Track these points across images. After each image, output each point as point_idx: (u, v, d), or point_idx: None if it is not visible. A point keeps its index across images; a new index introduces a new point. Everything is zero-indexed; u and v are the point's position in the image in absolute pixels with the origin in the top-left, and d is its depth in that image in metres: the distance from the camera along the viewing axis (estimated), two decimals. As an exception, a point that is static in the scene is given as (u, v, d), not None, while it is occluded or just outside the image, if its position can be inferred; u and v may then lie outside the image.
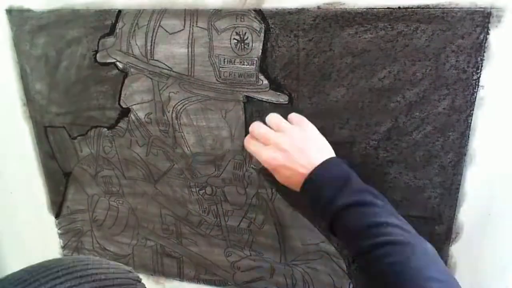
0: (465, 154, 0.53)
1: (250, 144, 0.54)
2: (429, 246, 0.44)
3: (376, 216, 0.45)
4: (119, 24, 0.60)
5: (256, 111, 0.58)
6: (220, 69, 0.57)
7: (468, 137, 0.52)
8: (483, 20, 0.46)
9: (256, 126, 0.54)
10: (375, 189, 0.48)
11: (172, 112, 0.62)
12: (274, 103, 0.57)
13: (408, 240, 0.43)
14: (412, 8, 0.48)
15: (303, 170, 0.49)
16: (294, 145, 0.50)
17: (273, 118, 0.54)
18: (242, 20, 0.54)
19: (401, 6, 0.48)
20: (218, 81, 0.58)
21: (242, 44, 0.55)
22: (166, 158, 0.66)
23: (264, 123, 0.54)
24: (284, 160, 0.50)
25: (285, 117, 0.55)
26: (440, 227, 0.57)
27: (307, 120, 0.54)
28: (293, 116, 0.54)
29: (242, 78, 0.57)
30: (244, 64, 0.56)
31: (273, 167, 0.51)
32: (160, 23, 0.58)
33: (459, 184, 0.54)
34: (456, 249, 0.58)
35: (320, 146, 0.51)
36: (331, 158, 0.50)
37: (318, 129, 0.55)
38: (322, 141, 0.52)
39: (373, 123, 0.54)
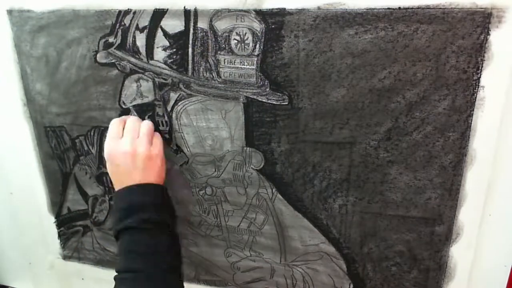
0: (465, 155, 0.53)
1: (116, 126, 0.61)
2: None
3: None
4: (119, 25, 0.60)
5: (256, 111, 0.58)
6: (220, 69, 0.57)
7: (468, 137, 0.52)
8: (483, 20, 0.46)
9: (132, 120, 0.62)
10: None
11: (172, 113, 0.63)
12: (274, 103, 0.57)
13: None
14: (412, 8, 0.48)
15: (136, 177, 0.58)
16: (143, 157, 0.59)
17: (147, 124, 0.62)
18: (242, 20, 0.54)
19: (401, 7, 0.48)
20: (218, 81, 0.58)
21: (242, 44, 0.55)
22: (166, 158, 0.66)
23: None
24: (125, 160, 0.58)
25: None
26: (440, 228, 0.57)
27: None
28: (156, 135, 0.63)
29: (242, 79, 0.57)
30: (244, 65, 0.56)
31: (111, 155, 0.59)
32: (160, 23, 0.58)
33: (460, 185, 0.54)
34: (456, 250, 0.58)
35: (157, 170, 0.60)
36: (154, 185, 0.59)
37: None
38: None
39: (373, 123, 0.54)
